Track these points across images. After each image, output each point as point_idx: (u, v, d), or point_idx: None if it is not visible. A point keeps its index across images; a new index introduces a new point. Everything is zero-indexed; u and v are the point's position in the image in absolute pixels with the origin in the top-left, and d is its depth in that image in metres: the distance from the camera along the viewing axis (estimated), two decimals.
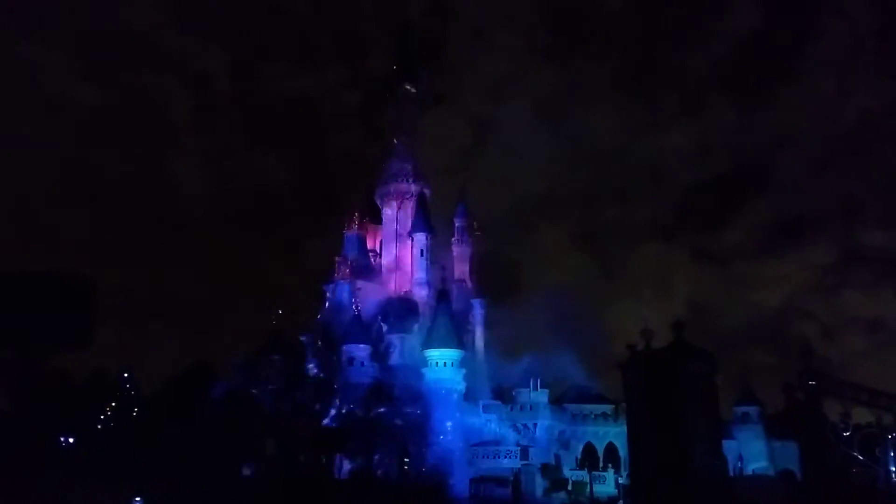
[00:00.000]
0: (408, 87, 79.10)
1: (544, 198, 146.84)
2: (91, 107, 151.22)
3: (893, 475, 56.89)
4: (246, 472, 56.67)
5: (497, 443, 62.15)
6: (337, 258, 75.07)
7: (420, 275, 75.51)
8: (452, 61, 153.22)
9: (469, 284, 78.37)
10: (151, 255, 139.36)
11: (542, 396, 65.80)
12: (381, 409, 62.07)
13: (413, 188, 77.56)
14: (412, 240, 76.38)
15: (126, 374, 64.68)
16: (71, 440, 55.95)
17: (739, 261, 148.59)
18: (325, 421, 59.65)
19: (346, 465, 56.00)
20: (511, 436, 63.08)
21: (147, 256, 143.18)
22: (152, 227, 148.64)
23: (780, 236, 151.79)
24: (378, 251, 79.00)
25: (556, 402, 68.24)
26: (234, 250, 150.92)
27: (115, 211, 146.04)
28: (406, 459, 56.99)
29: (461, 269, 79.39)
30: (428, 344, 64.27)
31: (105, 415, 59.78)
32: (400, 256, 76.86)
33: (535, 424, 63.87)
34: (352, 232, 76.22)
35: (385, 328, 70.65)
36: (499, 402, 65.46)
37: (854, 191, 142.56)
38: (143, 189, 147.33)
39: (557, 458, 63.19)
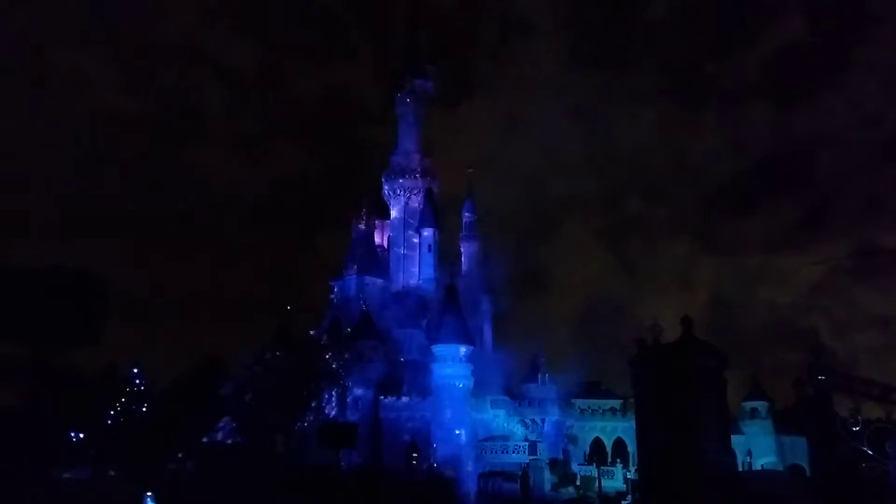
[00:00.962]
0: (415, 82, 79.10)
1: (569, 195, 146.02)
2: (127, 106, 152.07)
3: None
4: (253, 467, 56.90)
5: (505, 438, 62.26)
6: (345, 254, 75.24)
7: (428, 270, 75.61)
8: (486, 58, 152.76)
9: (477, 279, 78.42)
10: (163, 249, 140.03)
11: (550, 392, 65.84)
12: (389, 405, 62.30)
13: (420, 183, 77.59)
14: (420, 235, 76.48)
15: (136, 370, 64.97)
16: (81, 436, 56.28)
17: (761, 256, 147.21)
18: (334, 416, 59.87)
19: (355, 461, 56.16)
20: (519, 431, 63.17)
21: (158, 251, 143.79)
22: (165, 221, 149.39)
23: (799, 231, 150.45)
24: (386, 246, 79.08)
25: (565, 397, 68.28)
26: (248, 245, 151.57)
27: (129, 206, 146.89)
28: (414, 454, 57.13)
29: (469, 264, 79.52)
30: (436, 339, 64.34)
31: (115, 410, 60.10)
32: (408, 251, 76.93)
33: (543, 420, 63.95)
34: (359, 227, 76.30)
35: (393, 324, 70.78)
36: (507, 398, 65.52)
37: (881, 192, 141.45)
38: (160, 183, 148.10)
39: (566, 453, 63.21)
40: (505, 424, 63.67)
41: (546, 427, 63.67)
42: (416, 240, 76.79)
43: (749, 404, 67.18)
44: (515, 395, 66.23)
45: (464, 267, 79.12)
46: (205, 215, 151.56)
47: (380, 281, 74.68)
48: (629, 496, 54.59)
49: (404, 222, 77.42)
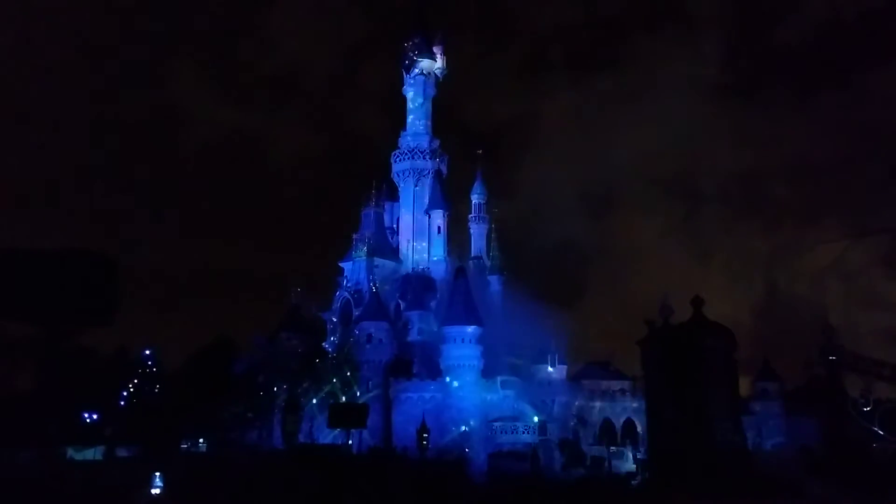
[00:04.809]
0: (421, 62, 78.70)
1: (637, 178, 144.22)
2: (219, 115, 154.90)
3: None
4: (264, 447, 57.39)
5: (515, 418, 62.45)
6: (354, 235, 75.25)
7: (438, 251, 75.65)
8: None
9: (486, 260, 78.52)
10: (176, 231, 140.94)
11: (560, 372, 65.93)
12: (399, 386, 62.56)
13: (430, 165, 77.36)
14: (429, 216, 76.44)
15: (148, 352, 65.49)
16: (95, 416, 56.91)
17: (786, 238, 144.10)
18: (344, 397, 60.22)
19: (365, 441, 56.52)
20: (529, 411, 63.35)
21: (171, 233, 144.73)
22: (181, 203, 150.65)
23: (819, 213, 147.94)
24: (395, 228, 79.06)
25: (575, 377, 68.37)
26: (260, 226, 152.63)
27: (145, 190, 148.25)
28: (424, 435, 57.33)
29: (478, 246, 79.61)
30: (446, 320, 64.47)
31: (128, 391, 60.67)
32: (417, 233, 76.88)
33: (553, 400, 64.09)
34: (369, 209, 76.27)
35: (403, 305, 70.91)
36: (517, 378, 65.67)
37: None
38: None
39: (575, 433, 63.42)
40: (515, 405, 63.85)
41: (556, 407, 63.83)
42: (425, 221, 76.72)
43: (760, 385, 67.13)
44: (525, 376, 66.37)
45: (473, 248, 79.18)
46: (227, 195, 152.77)
47: (389, 262, 74.75)
48: (639, 476, 54.77)
49: (413, 203, 77.30)
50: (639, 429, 62.85)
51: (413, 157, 77.38)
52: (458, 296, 64.82)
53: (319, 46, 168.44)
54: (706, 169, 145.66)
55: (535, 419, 61.86)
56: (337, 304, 72.05)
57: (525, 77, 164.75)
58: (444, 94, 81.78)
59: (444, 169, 78.57)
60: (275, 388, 61.14)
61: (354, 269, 73.24)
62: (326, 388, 61.10)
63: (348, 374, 62.45)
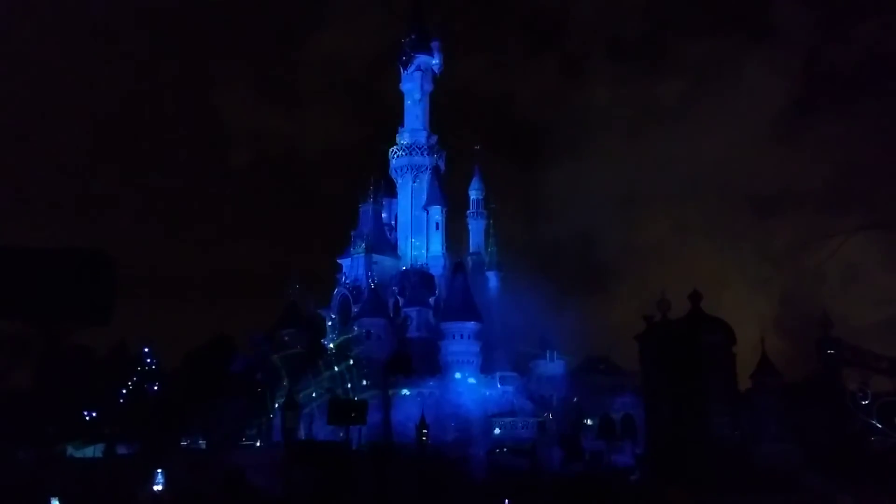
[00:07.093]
0: (419, 58, 78.59)
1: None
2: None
3: None
4: (264, 443, 57.50)
5: (514, 414, 62.53)
6: (352, 231, 75.23)
7: (436, 247, 75.62)
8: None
9: (484, 256, 78.48)
10: (173, 228, 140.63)
11: (558, 368, 65.98)
12: (399, 382, 62.64)
13: (428, 161, 77.26)
14: (427, 213, 76.38)
15: (147, 349, 65.53)
16: (94, 414, 56.97)
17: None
18: (343, 393, 60.29)
19: (364, 438, 56.55)
20: (528, 407, 63.42)
21: (169, 230, 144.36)
22: (179, 202, 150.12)
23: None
24: (393, 224, 78.99)
25: (573, 373, 68.40)
26: (258, 223, 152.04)
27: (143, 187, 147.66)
28: (423, 431, 57.46)
29: (477, 241, 79.53)
30: (444, 316, 64.44)
31: (127, 389, 60.75)
32: (415, 229, 76.84)
33: (551, 395, 64.14)
34: (367, 205, 76.22)
35: (401, 301, 70.92)
36: (515, 374, 65.73)
37: None
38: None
39: (574, 428, 63.47)
40: (513, 400, 63.92)
41: (554, 403, 63.88)
42: (423, 217, 76.67)
43: (758, 378, 67.14)
44: (524, 371, 66.43)
45: (471, 244, 79.12)
46: (222, 193, 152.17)
47: (388, 259, 74.72)
48: (637, 471, 54.83)
49: (412, 200, 77.24)
50: (638, 423, 62.86)
51: (411, 154, 77.26)
52: (456, 292, 64.87)
53: (361, 42, 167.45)
54: (737, 172, 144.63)
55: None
56: (335, 301, 72.05)
57: (568, 75, 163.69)
58: (450, 90, 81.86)
59: (442, 165, 78.48)
60: (273, 385, 61.24)
61: (353, 265, 73.20)
62: (325, 385, 61.18)
63: (347, 370, 62.53)
